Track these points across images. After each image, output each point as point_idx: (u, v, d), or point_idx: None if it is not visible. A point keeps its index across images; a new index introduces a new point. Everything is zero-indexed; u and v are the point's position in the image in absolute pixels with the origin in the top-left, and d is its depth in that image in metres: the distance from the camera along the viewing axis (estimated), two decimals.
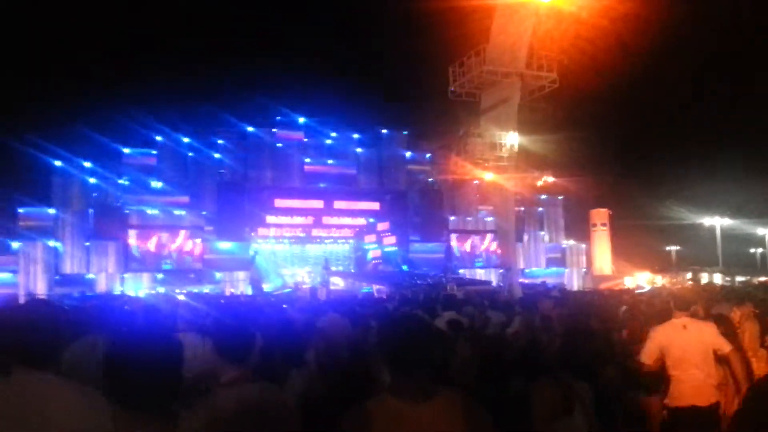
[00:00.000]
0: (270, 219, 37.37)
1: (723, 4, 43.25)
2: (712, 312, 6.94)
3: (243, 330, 2.89)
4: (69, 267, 31.71)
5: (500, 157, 24.32)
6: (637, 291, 21.98)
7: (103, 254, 32.18)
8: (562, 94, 25.71)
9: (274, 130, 37.36)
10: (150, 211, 33.58)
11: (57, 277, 31.02)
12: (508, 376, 6.08)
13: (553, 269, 39.57)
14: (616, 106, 56.98)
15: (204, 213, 34.59)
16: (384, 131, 39.46)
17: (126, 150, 34.76)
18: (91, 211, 32.68)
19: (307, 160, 37.92)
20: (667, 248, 53.43)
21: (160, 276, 32.70)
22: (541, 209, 40.86)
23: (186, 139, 35.88)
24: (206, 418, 2.52)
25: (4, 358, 2.53)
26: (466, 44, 24.67)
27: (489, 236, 37.47)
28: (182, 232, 33.50)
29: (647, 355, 5.50)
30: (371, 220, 39.40)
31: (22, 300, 25.58)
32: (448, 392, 2.65)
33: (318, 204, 37.97)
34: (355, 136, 39.52)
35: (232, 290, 31.80)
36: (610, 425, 3.18)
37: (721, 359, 5.51)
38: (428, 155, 39.53)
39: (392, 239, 38.21)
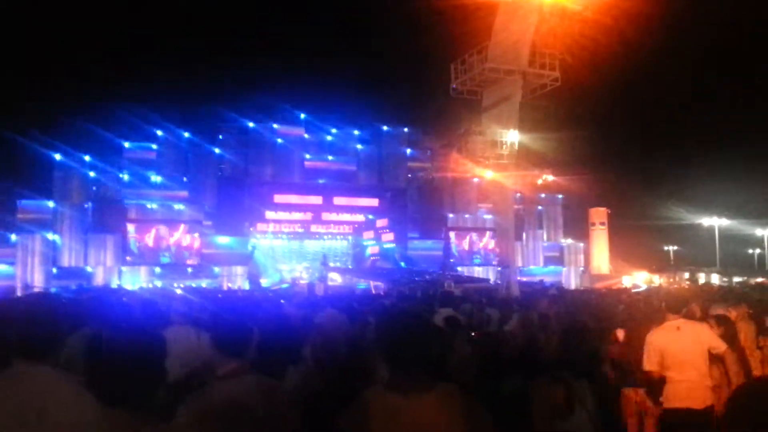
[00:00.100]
0: (269, 214, 37.35)
1: (726, 3, 43.20)
2: (711, 313, 6.93)
3: (240, 324, 2.88)
4: (67, 260, 31.70)
5: (501, 155, 24.25)
6: (633, 290, 22.01)
7: (102, 247, 32.17)
8: (563, 92, 25.69)
9: (274, 125, 37.34)
10: (149, 205, 33.58)
11: (54, 270, 31.00)
12: (505, 374, 6.09)
13: (551, 268, 39.58)
14: (617, 105, 57.02)
15: (203, 208, 34.58)
16: (384, 128, 39.45)
17: (126, 144, 34.77)
18: (90, 204, 32.66)
19: (307, 156, 37.91)
20: (666, 248, 53.52)
21: (157, 270, 32.68)
22: (540, 207, 40.86)
23: (186, 134, 35.89)
24: (201, 411, 2.51)
25: (4, 350, 2.53)
26: (468, 41, 24.63)
27: (488, 234, 37.45)
28: (181, 227, 33.47)
29: (651, 362, 5.49)
30: (370, 216, 39.39)
31: (19, 292, 25.74)
32: (445, 387, 2.65)
33: (317, 200, 37.96)
34: (356, 132, 39.53)
35: (230, 285, 31.81)
36: (609, 422, 3.18)
37: (717, 359, 5.51)
38: (428, 152, 39.51)
39: (391, 236, 38.22)
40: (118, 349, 2.05)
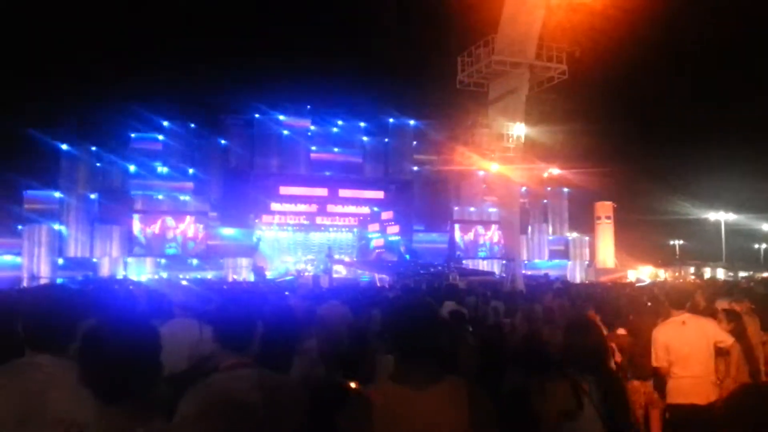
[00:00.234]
0: (274, 206, 37.41)
1: None
2: (717, 307, 6.91)
3: (243, 318, 2.86)
4: (73, 250, 31.82)
5: (507, 148, 24.17)
6: (637, 284, 21.94)
7: (108, 238, 32.29)
8: (570, 85, 25.58)
9: (280, 117, 37.35)
10: (155, 197, 33.64)
11: (61, 261, 31.13)
12: (506, 369, 6.08)
13: (557, 261, 39.53)
14: (624, 99, 56.69)
15: (209, 199, 34.64)
16: (391, 120, 39.42)
17: (132, 135, 34.80)
18: (96, 195, 32.75)
19: (313, 147, 37.92)
20: (671, 242, 53.44)
21: (162, 261, 32.78)
22: (545, 201, 40.78)
23: (192, 126, 35.93)
24: (200, 405, 2.50)
25: (15, 341, 2.54)
26: (475, 34, 24.53)
27: (493, 227, 37.39)
28: (187, 218, 33.54)
29: (658, 359, 5.48)
30: (375, 208, 39.40)
31: (25, 283, 25.83)
32: (451, 379, 2.65)
33: (323, 192, 38.00)
34: (362, 124, 39.52)
35: (235, 276, 31.88)
36: (618, 417, 3.17)
37: (723, 353, 5.48)
38: (434, 145, 39.42)
39: (396, 228, 38.23)
40: (110, 344, 2.03)
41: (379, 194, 39.08)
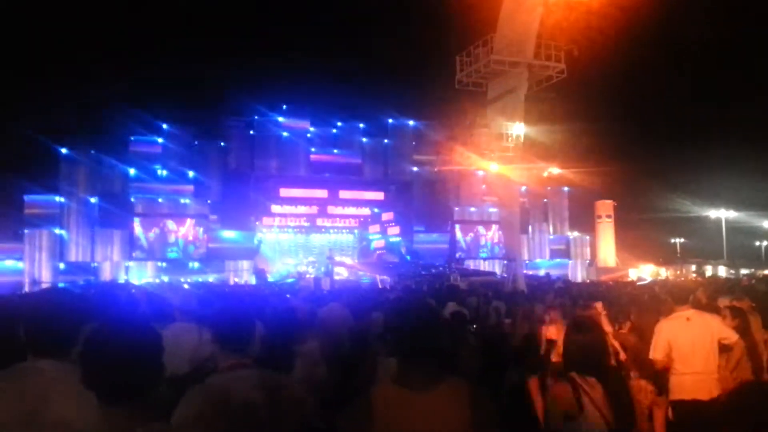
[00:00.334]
0: (275, 208, 37.42)
1: None
2: (720, 304, 6.91)
3: (242, 319, 2.86)
4: (74, 255, 31.82)
5: (506, 148, 24.17)
6: (638, 283, 21.97)
7: (108, 242, 32.30)
8: (569, 84, 25.58)
9: (279, 119, 37.38)
10: (155, 200, 33.64)
11: (62, 265, 31.13)
12: (507, 368, 6.07)
13: (558, 261, 39.50)
14: (623, 97, 56.68)
15: (209, 202, 34.64)
16: (390, 121, 39.44)
17: (132, 138, 34.80)
18: (96, 199, 32.75)
19: (313, 149, 37.94)
20: (672, 240, 53.42)
21: (163, 265, 32.77)
22: (546, 200, 40.76)
23: (192, 128, 35.94)
24: (200, 405, 2.50)
25: (18, 346, 2.54)
26: (474, 34, 24.54)
27: (494, 227, 37.37)
28: (188, 221, 33.55)
29: (658, 351, 5.48)
30: (376, 210, 39.40)
31: (27, 288, 25.81)
32: (453, 380, 2.65)
33: (323, 193, 38.00)
34: (361, 125, 39.51)
35: (236, 279, 31.87)
36: (620, 417, 3.17)
37: (725, 349, 5.48)
38: (434, 145, 39.40)
39: (396, 229, 38.22)
40: (113, 345, 2.04)
41: (380, 195, 39.10)
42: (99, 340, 2.07)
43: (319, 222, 39.04)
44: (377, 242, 39.51)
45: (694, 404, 5.19)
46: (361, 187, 38.93)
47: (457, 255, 36.34)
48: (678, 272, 38.58)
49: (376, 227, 39.57)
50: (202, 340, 2.92)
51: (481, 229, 38.31)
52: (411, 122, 39.61)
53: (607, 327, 6.89)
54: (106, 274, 31.23)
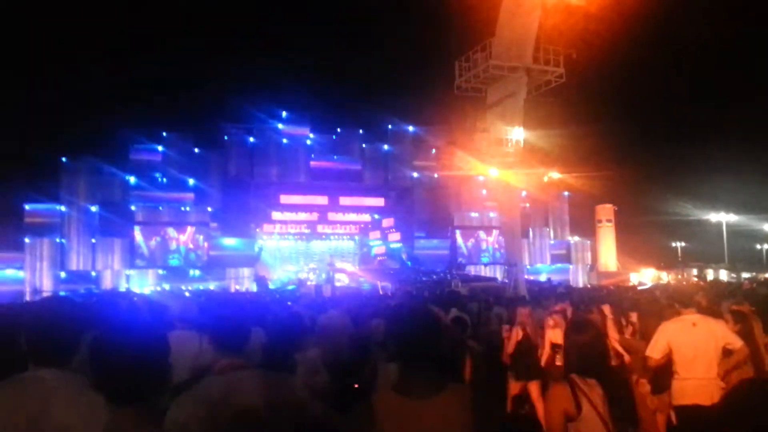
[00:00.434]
0: (275, 215, 37.43)
1: None
2: (724, 309, 6.89)
3: (237, 321, 2.86)
4: (75, 263, 31.81)
5: (506, 153, 24.18)
6: (639, 287, 21.91)
7: (109, 251, 32.29)
8: (568, 88, 25.62)
9: (279, 126, 37.44)
10: (156, 208, 33.64)
11: (63, 274, 31.12)
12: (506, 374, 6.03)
13: (559, 265, 39.47)
14: (623, 101, 56.80)
15: (209, 209, 34.65)
16: (389, 127, 39.46)
17: (132, 147, 34.84)
18: (96, 207, 32.76)
19: (313, 156, 37.98)
20: (673, 244, 53.32)
21: (164, 273, 32.72)
22: (546, 205, 40.74)
23: (192, 136, 36.00)
24: (192, 407, 2.49)
25: (19, 355, 2.53)
26: (472, 38, 24.59)
27: (494, 232, 37.37)
28: (188, 229, 33.56)
29: (655, 350, 5.46)
30: (376, 216, 39.40)
31: (28, 296, 25.81)
32: (455, 387, 2.64)
33: (323, 200, 38.02)
34: (361, 131, 39.55)
35: (237, 287, 31.85)
36: (623, 418, 3.16)
37: (726, 355, 5.45)
38: (433, 151, 39.43)
39: (397, 235, 38.21)
40: (122, 345, 2.05)
41: (380, 201, 39.11)
42: (110, 341, 2.08)
43: (320, 229, 39.03)
44: (378, 248, 39.50)
45: (696, 409, 5.16)
46: (361, 193, 38.94)
47: (459, 261, 36.30)
48: (679, 276, 38.52)
49: (377, 233, 39.56)
50: (202, 348, 2.92)
51: (481, 234, 38.31)
52: (411, 128, 39.64)
53: (614, 333, 6.88)
54: (106, 283, 31.22)
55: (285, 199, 37.43)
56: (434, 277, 28.97)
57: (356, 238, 40.45)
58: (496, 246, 37.33)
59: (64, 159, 32.48)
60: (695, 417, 5.12)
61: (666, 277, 37.63)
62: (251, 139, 37.28)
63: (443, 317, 6.96)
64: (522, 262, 27.46)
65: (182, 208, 34.05)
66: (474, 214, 38.61)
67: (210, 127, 36.48)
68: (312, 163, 37.91)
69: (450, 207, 38.67)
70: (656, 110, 70.37)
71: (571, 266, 39.97)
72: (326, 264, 34.29)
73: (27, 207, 31.63)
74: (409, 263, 35.71)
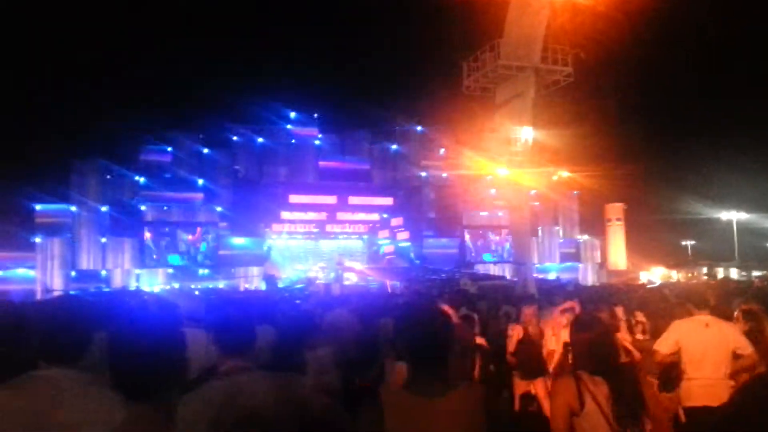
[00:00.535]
0: (284, 215, 37.51)
1: None
2: (740, 307, 6.83)
3: (241, 322, 2.87)
4: (85, 263, 32.00)
5: (515, 152, 24.18)
6: (648, 286, 21.81)
7: (119, 250, 32.46)
8: (577, 88, 25.59)
9: (288, 126, 37.55)
10: (165, 208, 33.80)
11: (73, 273, 31.31)
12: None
13: (568, 264, 39.34)
14: (632, 100, 56.54)
15: (219, 209, 34.78)
16: (397, 127, 39.46)
17: (142, 147, 35.01)
18: (106, 207, 32.94)
19: (321, 156, 38.05)
20: (683, 243, 53.08)
21: (172, 271, 32.85)
22: (555, 204, 40.61)
23: (201, 136, 36.14)
24: (201, 406, 2.51)
25: (31, 355, 2.56)
26: (481, 38, 24.60)
27: (503, 231, 37.31)
28: (198, 229, 33.72)
29: (664, 345, 5.44)
30: (385, 215, 39.41)
31: (39, 295, 26.01)
32: (465, 385, 2.65)
33: (332, 200, 38.07)
34: (369, 131, 39.56)
35: (247, 285, 31.96)
36: (628, 417, 3.17)
37: (736, 358, 5.41)
38: (442, 150, 39.41)
39: (405, 234, 38.23)
40: (144, 343, 2.07)
41: (389, 201, 39.11)
42: (129, 338, 2.10)
43: (329, 228, 39.11)
44: (387, 247, 39.52)
45: (706, 410, 5.10)
46: (370, 192, 38.96)
47: (467, 259, 36.28)
48: (689, 275, 38.35)
49: (386, 232, 39.59)
50: (209, 348, 2.93)
51: (490, 233, 38.25)
52: (419, 127, 39.61)
53: (626, 334, 6.87)
54: (117, 282, 31.39)
55: (294, 198, 37.52)
56: (443, 275, 28.98)
57: (365, 237, 40.50)
58: (505, 245, 37.27)
59: (74, 160, 32.67)
60: (704, 418, 5.08)
61: (676, 276, 37.47)
62: (260, 140, 37.37)
63: (453, 315, 6.98)
64: (531, 261, 27.41)
65: (192, 208, 34.18)
66: (483, 213, 38.55)
67: (219, 128, 36.62)
68: (321, 163, 37.97)
69: (459, 206, 38.61)
70: (665, 108, 70.03)
71: (580, 265, 39.83)
72: (335, 263, 34.34)
73: (38, 207, 31.82)
74: (417, 262, 35.73)
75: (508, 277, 31.95)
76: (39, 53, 56.31)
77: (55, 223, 31.69)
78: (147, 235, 32.80)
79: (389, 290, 24.22)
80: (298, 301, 12.00)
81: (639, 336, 7.17)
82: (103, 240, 32.43)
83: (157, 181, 34.27)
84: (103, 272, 31.90)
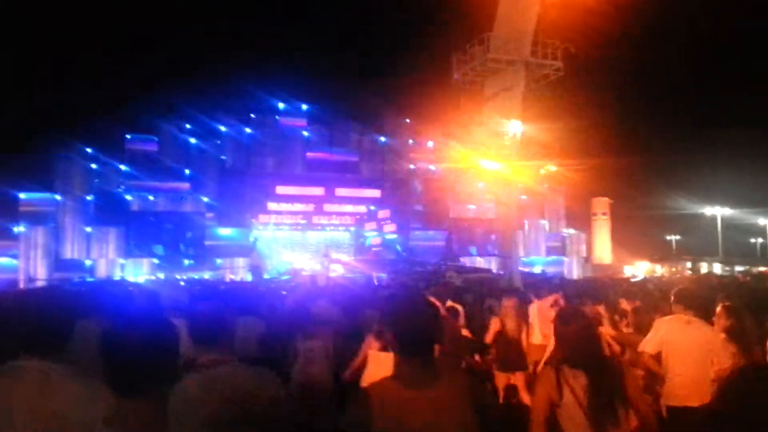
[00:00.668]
0: (271, 206, 37.41)
1: None
2: (722, 304, 6.86)
3: (216, 314, 2.86)
4: (69, 252, 31.75)
5: (503, 146, 24.22)
6: (631, 280, 22.00)
7: (104, 240, 32.21)
8: (566, 82, 25.65)
9: (276, 117, 37.38)
10: (151, 197, 33.59)
11: (57, 263, 31.05)
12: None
13: (553, 258, 39.52)
14: (620, 95, 56.86)
15: (205, 199, 34.61)
16: (386, 119, 39.39)
17: (128, 136, 34.74)
18: (92, 196, 32.67)
19: (309, 147, 37.93)
20: (668, 237, 53.56)
21: (157, 262, 32.66)
22: (542, 197, 40.74)
23: (188, 126, 35.90)
24: (174, 403, 2.50)
25: (13, 345, 2.54)
26: (471, 31, 24.58)
27: (490, 224, 37.38)
28: (185, 219, 33.58)
29: (649, 345, 5.46)
30: (372, 207, 39.40)
31: (22, 285, 25.79)
32: (452, 375, 2.66)
33: (319, 191, 38.01)
34: (357, 123, 39.47)
35: (232, 276, 31.84)
36: (606, 411, 3.20)
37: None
38: (430, 143, 39.40)
39: (393, 227, 38.24)
40: (138, 340, 2.05)
41: (376, 193, 39.09)
42: (122, 333, 2.08)
43: (316, 219, 39.05)
44: (373, 239, 39.53)
45: (686, 411, 5.07)
46: (357, 184, 38.92)
47: (453, 252, 36.33)
48: (673, 269, 38.67)
49: (373, 224, 39.58)
50: (188, 339, 2.91)
51: (477, 226, 38.32)
52: (407, 120, 39.59)
53: (609, 329, 6.91)
54: (101, 272, 31.16)
55: (281, 189, 37.41)
56: (429, 268, 29.01)
57: (352, 229, 40.46)
58: (492, 238, 37.35)
59: (59, 148, 32.35)
60: (686, 418, 5.06)
61: (660, 270, 37.77)
62: (247, 130, 37.20)
63: (441, 307, 6.99)
64: (517, 254, 27.51)
65: (178, 198, 33.98)
66: (470, 206, 38.60)
67: (206, 118, 36.37)
68: (308, 154, 37.85)
69: (446, 199, 38.65)
70: (653, 104, 70.46)
71: (566, 258, 40.02)
72: (321, 254, 34.30)
73: (22, 196, 31.48)
74: (404, 254, 35.76)
75: (494, 270, 32.06)
76: (24, 43, 55.67)
77: (39, 212, 31.36)
78: (133, 224, 32.55)
79: (375, 282, 24.25)
80: (284, 292, 11.98)
81: (624, 329, 7.22)
82: (88, 229, 32.18)
83: (142, 170, 34.01)
84: (88, 262, 31.66)
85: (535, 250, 39.61)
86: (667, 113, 68.98)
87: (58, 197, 31.89)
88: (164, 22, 60.28)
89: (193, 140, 35.91)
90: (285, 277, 28.02)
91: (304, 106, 38.26)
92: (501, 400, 7.60)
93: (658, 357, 5.42)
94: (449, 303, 8.28)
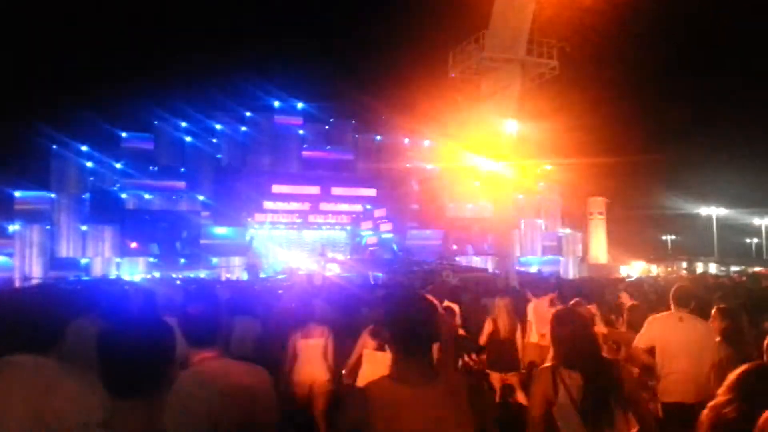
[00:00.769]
0: (267, 204, 37.35)
1: None
2: (717, 305, 6.86)
3: (207, 312, 2.84)
4: (65, 251, 31.65)
5: (499, 145, 24.23)
6: (627, 279, 22.12)
7: (99, 238, 32.11)
8: (562, 81, 25.67)
9: (272, 115, 37.33)
10: (146, 196, 33.50)
11: (52, 261, 30.95)
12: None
13: (549, 257, 39.57)
14: (616, 94, 56.91)
15: (201, 198, 34.54)
16: (382, 117, 39.40)
17: (123, 134, 34.64)
18: (87, 195, 32.58)
19: (305, 146, 37.89)
20: (664, 237, 53.71)
21: (153, 260, 32.58)
22: (538, 197, 40.76)
23: (184, 124, 35.82)
24: (168, 399, 2.49)
25: (8, 343, 2.52)
26: (466, 30, 24.59)
27: (486, 223, 37.40)
28: (180, 217, 33.50)
29: (640, 340, 5.47)
30: (368, 206, 39.37)
31: (17, 283, 25.71)
32: (450, 374, 2.65)
33: (315, 190, 37.95)
34: (353, 122, 39.45)
35: (228, 275, 31.79)
36: (600, 410, 3.20)
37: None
38: (427, 142, 39.38)
39: (389, 226, 38.21)
40: (134, 340, 2.03)
41: (372, 192, 39.05)
42: (120, 334, 2.06)
43: (311, 218, 38.98)
44: (370, 239, 39.48)
45: (681, 407, 5.05)
46: (353, 183, 38.88)
47: (450, 251, 36.33)
48: (669, 269, 38.77)
49: (369, 224, 39.54)
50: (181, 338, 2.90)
51: (473, 225, 38.32)
52: (404, 118, 39.56)
53: (601, 328, 6.92)
54: (97, 270, 31.07)
55: (277, 188, 37.35)
56: (426, 267, 29.01)
57: (348, 228, 40.42)
58: (488, 237, 37.36)
59: (55, 146, 32.24)
60: (681, 415, 5.04)
61: (655, 270, 37.86)
62: (243, 129, 37.14)
63: (438, 306, 6.99)
64: (513, 254, 27.54)
65: (173, 197, 33.91)
66: (467, 205, 38.60)
67: (202, 116, 36.28)
68: (304, 153, 37.82)
69: (442, 198, 38.65)
70: (648, 104, 70.61)
71: (561, 258, 40.08)
72: (318, 254, 34.25)
73: (17, 194, 31.35)
74: (400, 253, 35.75)
75: (491, 269, 32.07)
76: (19, 41, 55.49)
77: (35, 210, 31.24)
78: (128, 223, 32.46)
79: (371, 281, 24.23)
80: (280, 291, 11.98)
81: (622, 329, 7.22)
82: (84, 228, 32.07)
83: (138, 168, 33.91)
84: (84, 260, 31.56)
85: (531, 250, 39.64)
86: (664, 113, 69.06)
87: (53, 195, 31.78)
88: (160, 21, 60.12)
89: (188, 138, 35.84)
90: (281, 276, 27.98)
91: (300, 105, 38.20)
92: (497, 400, 7.61)
93: (651, 351, 5.41)
94: (445, 302, 8.29)
